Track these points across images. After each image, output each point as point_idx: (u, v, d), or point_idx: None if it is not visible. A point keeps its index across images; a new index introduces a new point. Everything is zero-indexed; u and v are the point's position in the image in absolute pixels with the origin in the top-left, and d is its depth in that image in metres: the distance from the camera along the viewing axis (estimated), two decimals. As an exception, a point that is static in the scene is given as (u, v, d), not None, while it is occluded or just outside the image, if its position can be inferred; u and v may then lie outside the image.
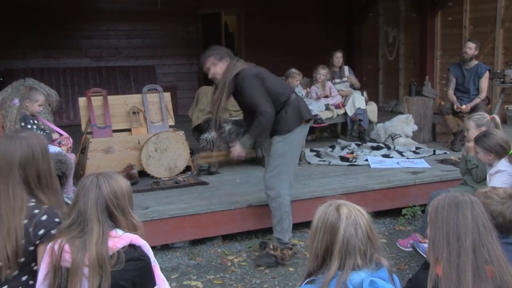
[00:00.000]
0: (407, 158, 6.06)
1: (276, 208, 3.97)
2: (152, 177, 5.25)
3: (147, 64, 10.38)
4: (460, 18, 9.14)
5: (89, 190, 1.96)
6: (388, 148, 6.51)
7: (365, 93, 7.54)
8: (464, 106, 6.40)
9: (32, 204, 2.09)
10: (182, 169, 5.38)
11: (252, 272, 4.02)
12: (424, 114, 7.18)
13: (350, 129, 7.25)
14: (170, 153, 5.29)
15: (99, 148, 5.17)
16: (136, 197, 2.29)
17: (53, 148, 4.20)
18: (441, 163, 5.81)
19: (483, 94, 6.49)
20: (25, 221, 2.04)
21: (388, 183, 5.11)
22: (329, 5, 11.48)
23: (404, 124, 6.88)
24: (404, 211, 5.02)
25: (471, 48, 6.46)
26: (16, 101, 5.04)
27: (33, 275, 2.05)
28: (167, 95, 5.71)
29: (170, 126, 5.59)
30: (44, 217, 2.06)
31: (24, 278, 2.08)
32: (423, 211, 4.78)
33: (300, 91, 7.02)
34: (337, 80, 7.46)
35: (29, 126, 4.56)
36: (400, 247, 4.23)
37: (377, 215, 4.97)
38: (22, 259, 2.04)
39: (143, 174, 5.25)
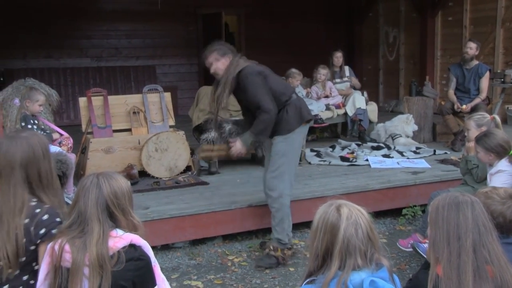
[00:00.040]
0: (408, 158, 6.06)
1: (278, 209, 3.96)
2: (153, 177, 5.25)
3: (148, 64, 10.38)
4: (461, 18, 9.14)
5: (89, 190, 1.96)
6: (389, 148, 6.51)
7: (365, 93, 7.54)
8: (464, 106, 6.40)
9: (34, 203, 2.10)
10: (183, 169, 5.38)
11: (253, 272, 4.02)
12: (424, 114, 7.18)
13: (351, 129, 7.25)
14: (170, 153, 5.29)
15: (99, 148, 5.17)
16: (136, 197, 2.30)
17: (53, 148, 4.19)
18: (442, 163, 5.81)
19: (483, 94, 6.49)
20: (26, 221, 2.04)
21: (388, 183, 5.11)
22: (329, 5, 11.48)
23: (404, 124, 6.88)
24: (404, 211, 5.02)
25: (472, 48, 6.46)
26: (17, 101, 5.04)
27: (34, 274, 2.06)
28: (167, 95, 5.71)
29: (171, 126, 5.59)
30: (45, 217, 2.07)
31: (25, 277, 2.08)
32: (423, 211, 4.78)
33: (301, 91, 7.02)
34: (338, 80, 7.46)
35: (29, 126, 4.56)
36: (401, 247, 4.23)
37: (377, 215, 4.97)
38: (23, 259, 2.05)
39: (143, 174, 5.25)
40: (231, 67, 3.85)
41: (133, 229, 2.01)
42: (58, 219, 2.08)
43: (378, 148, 6.52)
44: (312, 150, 6.46)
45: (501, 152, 3.51)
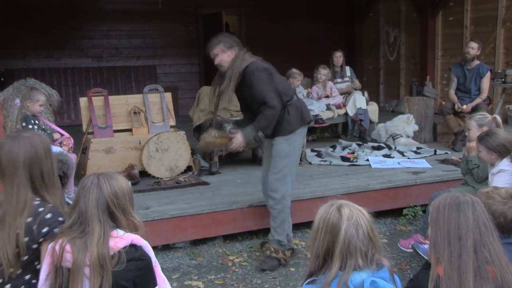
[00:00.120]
0: (408, 158, 6.05)
1: (280, 211, 3.95)
2: (153, 177, 5.25)
3: (148, 64, 10.39)
4: (461, 18, 9.14)
5: (90, 190, 1.97)
6: (389, 148, 6.51)
7: (366, 93, 7.54)
8: (465, 106, 6.40)
9: (37, 202, 2.11)
10: (183, 169, 5.38)
11: (253, 272, 4.02)
12: (425, 114, 7.18)
13: (351, 129, 7.25)
14: (171, 153, 5.29)
15: (100, 148, 5.18)
16: (137, 197, 2.30)
17: (54, 148, 4.19)
18: (442, 163, 5.81)
19: (484, 94, 6.49)
20: (29, 219, 2.05)
21: (389, 183, 5.10)
22: (329, 5, 11.47)
23: (405, 124, 6.88)
24: (405, 211, 5.02)
25: (473, 48, 6.45)
26: (17, 101, 5.04)
27: (36, 274, 2.06)
28: (168, 95, 5.71)
29: (171, 126, 5.60)
30: (48, 216, 2.08)
31: (27, 277, 2.09)
32: (424, 211, 4.77)
33: (301, 91, 7.02)
34: (339, 80, 7.47)
35: (30, 126, 4.56)
36: (402, 248, 4.22)
37: (378, 215, 4.97)
38: (25, 257, 2.06)
39: (144, 174, 5.25)
40: (237, 61, 3.80)
41: (133, 229, 2.02)
42: (60, 218, 2.09)
43: (378, 148, 6.52)
44: (312, 150, 6.46)
45: (503, 151, 3.50)
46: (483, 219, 1.89)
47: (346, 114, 7.11)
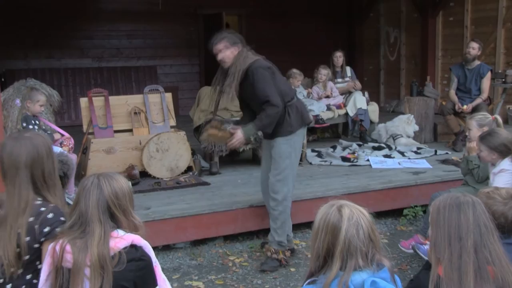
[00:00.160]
0: (409, 159, 6.05)
1: (281, 212, 3.94)
2: (154, 177, 5.25)
3: (149, 65, 10.39)
4: (462, 19, 9.14)
5: (90, 191, 1.97)
6: (390, 148, 6.51)
7: (366, 93, 7.53)
8: (465, 107, 6.39)
9: (39, 202, 2.11)
10: (184, 169, 5.38)
11: (254, 272, 4.02)
12: (425, 114, 7.18)
13: (352, 130, 7.25)
14: (171, 153, 5.29)
15: (100, 149, 5.18)
16: (137, 198, 2.30)
17: (54, 149, 4.19)
18: (443, 164, 5.80)
19: (484, 94, 6.49)
20: (31, 219, 2.06)
21: (389, 183, 5.10)
22: (330, 5, 11.47)
23: (405, 124, 6.88)
24: (405, 212, 5.02)
25: (474, 48, 6.45)
26: (18, 101, 5.04)
27: (37, 273, 2.06)
28: (168, 96, 5.71)
29: (172, 127, 5.60)
30: (50, 215, 2.08)
31: (28, 276, 2.09)
32: (424, 212, 4.77)
33: (302, 91, 7.02)
34: (339, 80, 7.46)
35: (30, 127, 4.56)
36: (402, 248, 4.21)
37: (378, 215, 4.97)
38: (27, 257, 2.06)
39: (144, 174, 5.25)
40: (240, 58, 3.79)
41: (134, 229, 2.02)
42: (62, 218, 2.10)
43: (379, 148, 6.52)
44: (313, 151, 6.46)
45: (504, 151, 3.50)
46: (483, 219, 1.88)
47: (346, 114, 7.11)
